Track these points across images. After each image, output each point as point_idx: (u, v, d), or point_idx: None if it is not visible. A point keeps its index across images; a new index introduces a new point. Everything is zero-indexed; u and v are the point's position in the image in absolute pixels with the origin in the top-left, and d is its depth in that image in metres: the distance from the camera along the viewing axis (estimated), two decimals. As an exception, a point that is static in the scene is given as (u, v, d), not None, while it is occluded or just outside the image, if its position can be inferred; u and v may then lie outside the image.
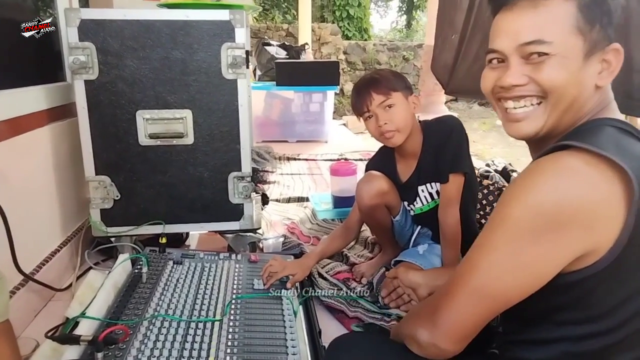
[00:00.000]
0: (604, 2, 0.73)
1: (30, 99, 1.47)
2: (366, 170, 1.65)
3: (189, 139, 1.55)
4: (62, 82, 1.74)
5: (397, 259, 1.54)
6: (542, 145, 0.78)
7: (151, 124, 1.52)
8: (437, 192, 1.52)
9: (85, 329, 1.08)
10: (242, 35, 1.48)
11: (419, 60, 8.34)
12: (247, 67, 1.89)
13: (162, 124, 1.53)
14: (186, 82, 1.50)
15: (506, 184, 2.16)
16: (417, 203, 1.58)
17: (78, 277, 1.59)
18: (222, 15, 1.46)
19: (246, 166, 1.60)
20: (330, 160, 3.50)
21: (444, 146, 1.46)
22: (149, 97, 1.50)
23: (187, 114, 1.53)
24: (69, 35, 1.41)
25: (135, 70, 1.47)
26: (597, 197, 0.64)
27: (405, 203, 1.63)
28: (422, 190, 1.55)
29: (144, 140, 1.53)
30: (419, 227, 1.65)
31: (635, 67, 1.75)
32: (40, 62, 1.73)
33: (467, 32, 2.80)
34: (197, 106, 1.53)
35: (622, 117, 0.78)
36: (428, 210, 1.57)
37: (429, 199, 1.55)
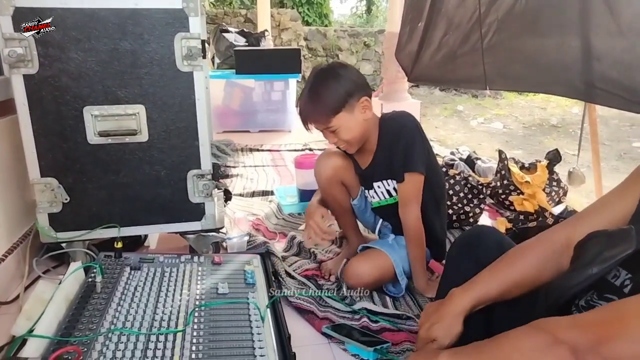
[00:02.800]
0: None
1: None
2: None
3: (143, 136, 1.45)
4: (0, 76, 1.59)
5: (365, 244, 1.51)
6: None
7: (101, 121, 1.41)
8: (395, 189, 1.50)
9: (32, 350, 0.99)
10: (196, 25, 1.39)
11: (380, 46, 8.32)
12: (204, 58, 1.78)
13: (113, 121, 1.42)
14: (138, 75, 1.40)
15: (472, 173, 2.17)
16: (374, 197, 1.56)
17: (26, 288, 1.48)
18: (174, 2, 1.36)
19: (206, 163, 1.52)
20: (295, 150, 3.44)
21: (395, 145, 1.43)
22: (97, 92, 1.38)
23: (140, 109, 1.43)
24: (2, 25, 1.27)
25: (81, 63, 1.35)
26: None
27: (365, 190, 1.60)
28: (379, 186, 1.52)
29: (93, 138, 1.42)
30: (381, 219, 1.63)
31: (594, 55, 1.77)
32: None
33: (431, 20, 2.79)
34: (151, 101, 1.43)
35: None
36: (386, 205, 1.55)
37: (387, 195, 1.53)
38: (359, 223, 1.72)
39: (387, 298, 1.45)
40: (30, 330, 1.07)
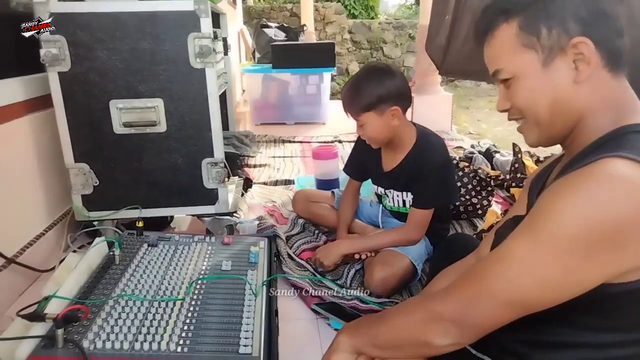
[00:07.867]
0: (544, 7, 0.74)
1: (7, 91, 1.53)
2: (351, 152, 1.77)
3: (162, 127, 1.60)
4: (41, 73, 1.80)
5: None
6: (572, 146, 0.78)
7: (125, 113, 1.58)
8: (408, 202, 1.61)
9: (53, 308, 1.16)
10: (207, 25, 1.52)
11: (426, 38, 8.22)
12: (226, 54, 1.91)
13: (135, 113, 1.58)
14: (156, 72, 1.55)
15: (483, 167, 2.18)
16: (388, 202, 1.68)
17: (61, 260, 1.68)
18: (186, 5, 1.50)
19: (218, 152, 1.65)
20: (325, 142, 3.54)
21: (425, 176, 1.51)
22: (120, 87, 1.55)
23: (159, 102, 1.58)
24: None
25: (106, 61, 1.52)
26: None
27: (377, 187, 1.69)
28: (397, 195, 1.63)
29: (118, 128, 1.59)
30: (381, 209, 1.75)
31: None
32: (20, 54, 1.79)
33: (458, 13, 2.78)
34: (168, 95, 1.58)
35: None
36: (397, 211, 1.67)
37: (401, 204, 1.63)
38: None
39: None
40: (54, 293, 1.24)
